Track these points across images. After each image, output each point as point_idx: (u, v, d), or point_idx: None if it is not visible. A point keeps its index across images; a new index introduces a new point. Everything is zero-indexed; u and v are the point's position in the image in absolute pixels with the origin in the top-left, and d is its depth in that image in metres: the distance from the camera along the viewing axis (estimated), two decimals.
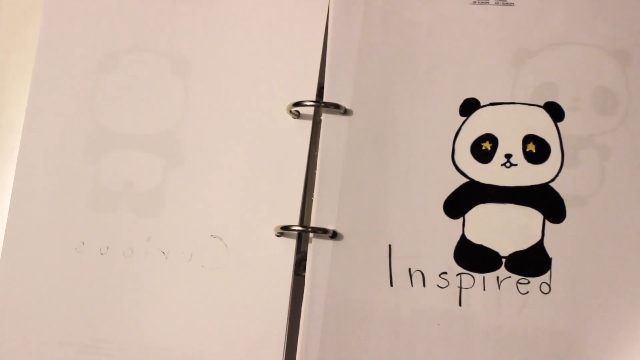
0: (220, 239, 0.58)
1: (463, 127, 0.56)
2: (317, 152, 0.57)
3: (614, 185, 0.53)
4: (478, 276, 0.53)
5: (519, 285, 0.53)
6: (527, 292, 0.53)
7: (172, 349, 0.57)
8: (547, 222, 0.53)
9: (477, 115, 0.56)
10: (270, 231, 0.57)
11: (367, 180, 0.56)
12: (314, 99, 0.58)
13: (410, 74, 0.57)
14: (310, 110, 0.58)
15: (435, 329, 0.53)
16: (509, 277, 0.53)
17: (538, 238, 0.53)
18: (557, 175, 0.53)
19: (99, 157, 0.60)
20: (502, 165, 0.54)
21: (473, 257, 0.53)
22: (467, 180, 0.55)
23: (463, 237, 0.54)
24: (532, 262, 0.53)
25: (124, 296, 0.58)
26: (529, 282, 0.53)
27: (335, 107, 0.57)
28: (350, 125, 0.57)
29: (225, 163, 0.59)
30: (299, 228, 0.56)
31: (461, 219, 0.54)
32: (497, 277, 0.53)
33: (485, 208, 0.54)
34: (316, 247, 0.55)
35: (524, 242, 0.53)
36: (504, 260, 0.53)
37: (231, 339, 0.56)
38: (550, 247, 0.53)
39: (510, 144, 0.55)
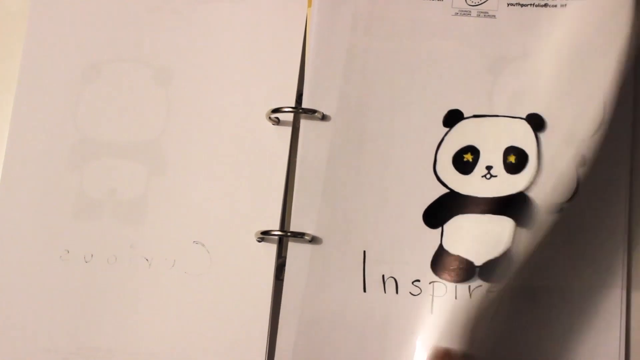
0: (203, 245, 0.58)
1: (446, 138, 0.56)
2: None
3: (587, 193, 0.54)
4: (450, 285, 0.54)
5: (488, 294, 0.53)
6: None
7: (157, 355, 0.57)
8: (517, 228, 0.53)
9: (460, 126, 0.56)
10: (252, 237, 0.57)
11: (345, 185, 0.56)
12: (293, 105, 0.59)
13: (391, 82, 0.58)
14: (290, 117, 0.59)
15: (406, 335, 0.54)
16: (480, 285, 0.53)
17: (508, 245, 0.53)
18: (532, 183, 0.53)
19: (83, 165, 0.61)
20: (482, 176, 0.55)
21: (449, 267, 0.54)
22: (447, 190, 0.55)
23: (441, 246, 0.54)
24: (501, 269, 0.53)
25: (109, 303, 0.59)
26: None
27: (314, 113, 0.57)
28: (328, 131, 0.57)
29: (206, 170, 0.59)
30: (279, 233, 0.56)
31: (440, 228, 0.55)
32: (469, 287, 0.53)
33: (463, 219, 0.54)
34: (294, 251, 0.56)
35: (496, 250, 0.53)
36: (477, 269, 0.53)
37: (215, 344, 0.56)
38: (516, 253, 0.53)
39: (491, 155, 0.55)
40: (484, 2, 0.58)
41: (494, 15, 0.58)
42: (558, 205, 0.53)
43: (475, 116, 0.56)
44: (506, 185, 0.54)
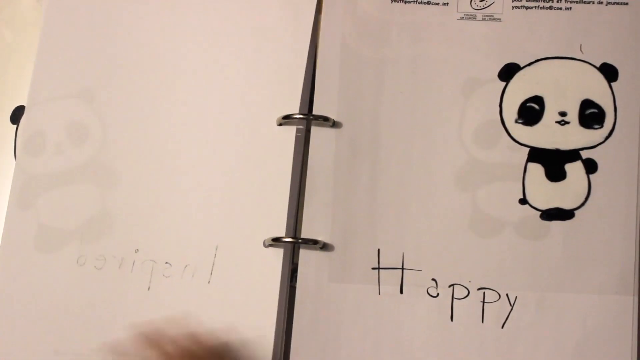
0: (213, 250, 0.58)
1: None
2: None
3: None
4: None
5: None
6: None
7: None
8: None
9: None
10: (261, 243, 0.57)
11: (357, 190, 0.57)
12: (302, 111, 0.59)
13: (400, 86, 0.58)
14: (300, 124, 0.59)
15: (421, 339, 0.54)
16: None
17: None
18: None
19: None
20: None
21: None
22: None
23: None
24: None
25: (118, 307, 0.59)
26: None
27: (324, 120, 0.57)
28: (339, 137, 0.57)
29: (216, 177, 0.59)
30: (290, 240, 0.56)
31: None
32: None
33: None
34: (306, 258, 0.56)
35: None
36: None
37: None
38: None
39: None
40: (489, 5, 0.58)
41: (500, 19, 0.58)
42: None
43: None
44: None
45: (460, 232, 0.55)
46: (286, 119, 0.58)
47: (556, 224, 0.54)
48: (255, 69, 0.61)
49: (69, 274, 0.60)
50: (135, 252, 0.59)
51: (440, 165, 0.56)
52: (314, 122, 0.58)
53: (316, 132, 0.58)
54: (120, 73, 0.63)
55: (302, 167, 0.58)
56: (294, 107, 0.59)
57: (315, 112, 0.58)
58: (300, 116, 0.58)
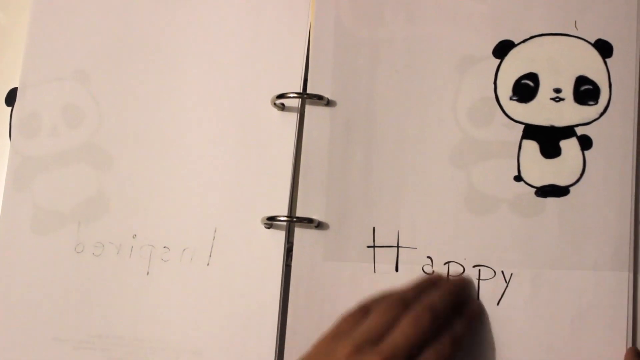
0: (210, 232, 0.58)
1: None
2: None
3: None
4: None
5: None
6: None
7: (167, 342, 0.57)
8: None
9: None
10: (259, 223, 0.57)
11: (352, 169, 0.56)
12: (298, 91, 0.58)
13: (395, 64, 0.57)
14: (296, 102, 0.59)
15: None
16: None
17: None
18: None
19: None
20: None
21: None
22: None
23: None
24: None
25: (118, 292, 0.59)
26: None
27: (319, 99, 0.57)
28: (333, 116, 0.57)
29: (212, 157, 0.60)
30: (285, 218, 0.56)
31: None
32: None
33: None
34: (301, 237, 0.56)
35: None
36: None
37: (224, 331, 0.57)
38: None
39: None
40: None
41: None
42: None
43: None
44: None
45: (455, 210, 0.55)
46: (280, 98, 0.58)
47: (551, 201, 0.53)
48: (252, 50, 0.60)
49: (67, 261, 0.60)
50: (133, 237, 0.59)
51: (435, 143, 0.56)
52: (308, 101, 0.58)
53: (311, 111, 0.58)
54: (115, 54, 0.63)
55: (297, 147, 0.58)
56: (291, 87, 0.59)
57: (309, 91, 0.58)
58: (294, 95, 0.57)
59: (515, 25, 0.56)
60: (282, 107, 0.59)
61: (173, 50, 0.62)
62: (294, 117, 0.58)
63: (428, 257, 0.55)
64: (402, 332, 0.47)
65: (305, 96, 0.57)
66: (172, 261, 0.59)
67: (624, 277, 0.52)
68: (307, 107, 0.58)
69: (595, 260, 0.52)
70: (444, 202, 0.55)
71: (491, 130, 0.55)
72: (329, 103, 0.57)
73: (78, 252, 0.60)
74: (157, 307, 0.58)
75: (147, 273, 0.59)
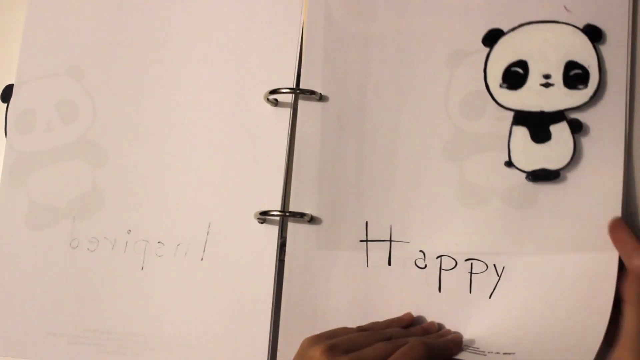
0: (204, 228, 0.59)
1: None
2: None
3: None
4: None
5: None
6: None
7: (161, 336, 0.58)
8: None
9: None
10: (253, 218, 0.58)
11: (345, 163, 0.57)
12: (291, 86, 0.59)
13: (382, 59, 0.58)
14: (289, 98, 0.59)
15: (410, 309, 0.54)
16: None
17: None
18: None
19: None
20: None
21: None
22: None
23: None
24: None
25: (113, 287, 0.59)
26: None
27: (311, 94, 0.57)
28: (326, 111, 0.58)
29: (207, 154, 0.60)
30: (278, 213, 0.56)
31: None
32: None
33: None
34: (293, 231, 0.56)
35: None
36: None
37: (218, 325, 0.57)
38: None
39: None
40: None
41: None
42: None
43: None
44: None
45: (447, 204, 0.55)
46: (273, 94, 0.58)
47: (543, 192, 0.53)
48: (245, 46, 0.61)
49: (62, 256, 0.60)
50: (128, 232, 0.60)
51: (427, 137, 0.56)
52: (301, 96, 0.58)
53: (303, 106, 0.58)
54: (109, 50, 0.63)
55: (290, 142, 0.58)
56: (284, 82, 0.59)
57: (302, 86, 0.58)
58: (287, 90, 0.58)
59: (504, 13, 0.56)
60: (275, 103, 0.59)
61: (167, 47, 0.62)
62: (287, 113, 0.59)
63: (420, 251, 0.55)
64: (380, 349, 0.47)
65: (298, 91, 0.58)
66: (166, 256, 0.59)
67: (614, 257, 0.51)
68: (300, 103, 0.58)
69: (587, 242, 0.52)
70: (437, 196, 0.55)
71: (483, 123, 0.55)
72: (321, 98, 0.58)
73: (73, 247, 0.60)
74: (151, 302, 0.58)
75: (142, 268, 0.59)
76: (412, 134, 0.56)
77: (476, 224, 0.54)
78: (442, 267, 0.54)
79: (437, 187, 0.55)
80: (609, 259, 0.51)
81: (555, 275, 0.52)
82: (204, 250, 0.58)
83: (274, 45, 0.60)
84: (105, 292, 0.59)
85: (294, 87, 0.59)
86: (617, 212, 0.52)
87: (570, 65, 0.54)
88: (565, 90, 0.54)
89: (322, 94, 0.58)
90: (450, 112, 0.56)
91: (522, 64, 0.55)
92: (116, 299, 0.59)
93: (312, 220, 0.56)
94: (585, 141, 0.53)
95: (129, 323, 0.58)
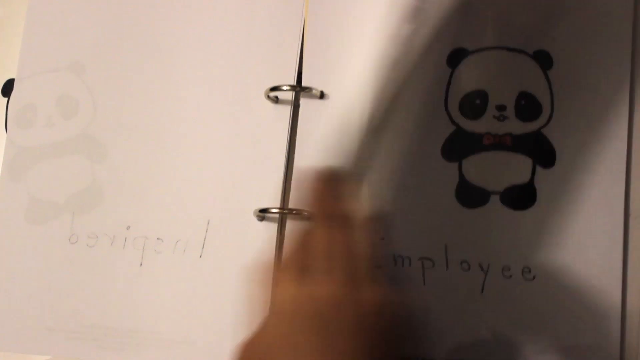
0: (203, 225, 0.59)
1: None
2: None
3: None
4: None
5: None
6: None
7: (160, 333, 0.58)
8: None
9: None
10: (252, 215, 0.58)
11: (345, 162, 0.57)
12: (292, 83, 0.59)
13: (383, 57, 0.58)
14: (289, 95, 0.59)
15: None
16: None
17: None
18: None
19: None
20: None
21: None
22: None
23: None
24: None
25: (111, 283, 0.59)
26: None
27: (312, 91, 0.57)
28: (328, 109, 0.58)
29: (207, 150, 0.60)
30: (277, 210, 0.56)
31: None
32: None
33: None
34: (293, 229, 0.56)
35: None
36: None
37: (217, 322, 0.57)
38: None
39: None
40: None
41: None
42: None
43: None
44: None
45: (446, 204, 0.55)
46: (274, 91, 0.58)
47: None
48: (246, 42, 0.61)
49: (61, 251, 0.60)
50: (127, 229, 0.60)
51: (427, 136, 0.56)
52: (302, 93, 0.58)
53: (305, 104, 0.58)
54: (110, 45, 0.63)
55: (290, 139, 0.58)
56: (285, 80, 0.59)
57: (303, 84, 0.58)
58: (288, 88, 0.58)
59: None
60: (276, 100, 0.59)
61: (168, 43, 0.62)
62: (287, 110, 0.59)
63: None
64: None
65: (299, 89, 0.58)
66: (165, 252, 0.59)
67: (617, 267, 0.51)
68: (301, 100, 0.58)
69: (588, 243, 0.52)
70: (435, 195, 0.55)
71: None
72: (322, 96, 0.58)
73: (72, 243, 0.60)
74: (150, 298, 0.58)
75: (141, 264, 0.59)
76: (412, 132, 0.56)
77: (474, 224, 0.54)
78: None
79: (436, 186, 0.55)
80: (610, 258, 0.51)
81: (556, 272, 0.52)
82: (202, 247, 0.58)
83: (275, 42, 0.60)
84: (103, 288, 0.59)
85: (295, 84, 0.58)
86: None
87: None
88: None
89: (323, 91, 0.58)
90: (451, 111, 0.56)
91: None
92: (115, 295, 0.59)
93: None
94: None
95: (127, 319, 0.58)
